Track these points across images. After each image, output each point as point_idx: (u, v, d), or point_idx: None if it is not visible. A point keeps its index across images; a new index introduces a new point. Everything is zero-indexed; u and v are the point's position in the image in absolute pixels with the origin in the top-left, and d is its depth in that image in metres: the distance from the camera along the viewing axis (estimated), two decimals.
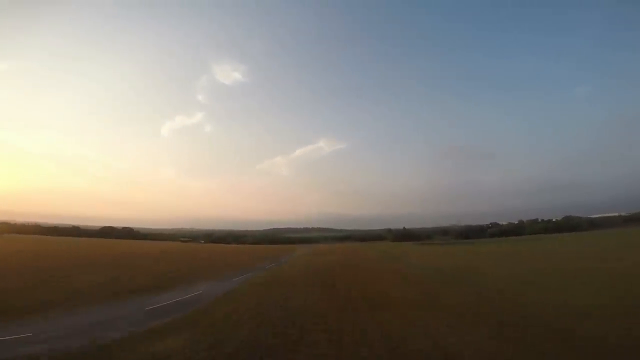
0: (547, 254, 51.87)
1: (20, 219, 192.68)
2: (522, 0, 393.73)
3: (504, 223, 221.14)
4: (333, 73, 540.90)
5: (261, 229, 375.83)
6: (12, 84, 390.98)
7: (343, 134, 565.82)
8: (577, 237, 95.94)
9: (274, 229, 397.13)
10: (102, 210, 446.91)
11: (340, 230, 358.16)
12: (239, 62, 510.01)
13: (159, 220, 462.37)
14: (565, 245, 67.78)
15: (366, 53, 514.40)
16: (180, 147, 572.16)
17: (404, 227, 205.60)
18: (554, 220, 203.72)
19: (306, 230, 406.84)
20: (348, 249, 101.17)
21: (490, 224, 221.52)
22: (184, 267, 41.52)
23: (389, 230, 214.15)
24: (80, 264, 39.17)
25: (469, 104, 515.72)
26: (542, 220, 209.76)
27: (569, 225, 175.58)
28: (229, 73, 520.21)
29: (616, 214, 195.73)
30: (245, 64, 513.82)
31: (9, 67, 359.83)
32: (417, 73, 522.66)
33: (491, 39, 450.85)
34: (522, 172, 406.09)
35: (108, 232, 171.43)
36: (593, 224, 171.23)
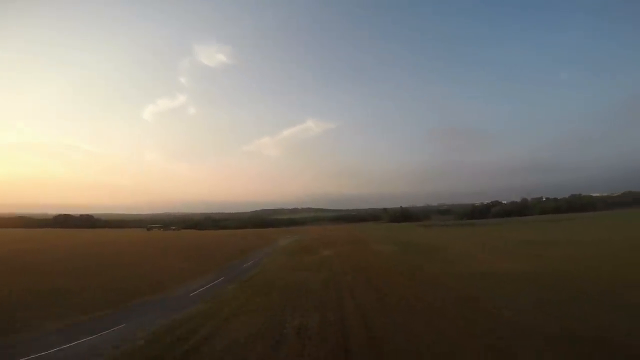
0: None
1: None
2: None
3: (506, 202, 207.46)
4: (322, 53, 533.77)
5: (248, 210, 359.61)
6: None
7: (333, 114, 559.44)
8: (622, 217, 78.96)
9: (262, 210, 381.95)
10: (85, 199, 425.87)
11: (332, 210, 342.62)
12: (223, 42, 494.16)
13: (143, 205, 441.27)
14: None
15: (355, 34, 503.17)
16: (163, 130, 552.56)
17: (401, 207, 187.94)
18: (558, 198, 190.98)
19: (295, 211, 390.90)
20: (346, 234, 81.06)
21: (492, 202, 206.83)
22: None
23: (385, 210, 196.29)
24: None
25: (458, 85, 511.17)
26: (547, 198, 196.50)
27: (580, 204, 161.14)
28: (212, 54, 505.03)
29: (605, 194, 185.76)
30: (229, 45, 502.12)
31: None
32: (406, 54, 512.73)
33: (480, 19, 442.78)
34: (510, 153, 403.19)
35: (62, 221, 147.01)
36: (607, 204, 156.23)
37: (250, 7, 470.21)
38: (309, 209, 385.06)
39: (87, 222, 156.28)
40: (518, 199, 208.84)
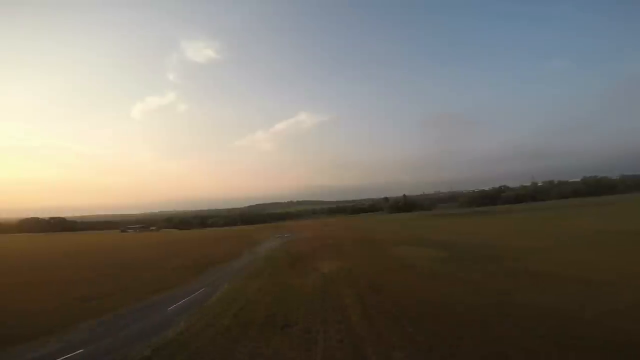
0: None
1: None
2: None
3: (516, 186, 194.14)
4: (312, 47, 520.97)
5: (243, 206, 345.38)
6: None
7: (326, 106, 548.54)
8: None
9: (257, 204, 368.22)
10: (74, 200, 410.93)
11: (329, 202, 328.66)
12: (211, 38, 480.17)
13: (135, 205, 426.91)
14: None
15: (348, 22, 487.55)
16: (153, 128, 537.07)
17: (404, 195, 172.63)
18: (570, 181, 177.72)
19: (291, 204, 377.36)
20: (349, 230, 66.14)
21: (501, 187, 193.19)
22: None
23: (386, 200, 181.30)
24: None
25: (457, 73, 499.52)
26: (560, 181, 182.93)
27: (597, 187, 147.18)
28: (201, 50, 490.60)
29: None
30: (217, 40, 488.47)
31: None
32: (401, 42, 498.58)
33: (477, 8, 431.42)
34: (505, 139, 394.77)
35: (28, 227, 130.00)
36: (628, 186, 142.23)
37: (236, 1, 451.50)
38: (305, 202, 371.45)
39: (57, 225, 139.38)
40: (527, 183, 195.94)
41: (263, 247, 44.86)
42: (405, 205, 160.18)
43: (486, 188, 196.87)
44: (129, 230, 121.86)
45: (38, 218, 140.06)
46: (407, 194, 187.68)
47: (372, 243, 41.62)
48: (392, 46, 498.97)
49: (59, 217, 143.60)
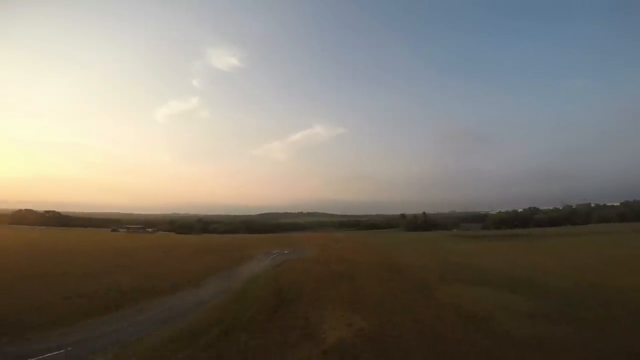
0: None
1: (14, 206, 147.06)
2: None
3: (549, 208, 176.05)
4: (331, 59, 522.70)
5: (253, 214, 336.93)
6: (5, 73, 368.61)
7: (342, 119, 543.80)
8: None
9: (267, 213, 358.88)
10: (94, 197, 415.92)
11: (340, 216, 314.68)
12: (235, 46, 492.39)
13: (149, 205, 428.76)
14: None
15: (367, 37, 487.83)
16: (175, 132, 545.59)
17: (424, 213, 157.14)
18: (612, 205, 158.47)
19: (301, 215, 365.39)
20: (364, 249, 53.19)
21: (531, 208, 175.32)
22: None
23: (403, 216, 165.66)
24: None
25: (473, 89, 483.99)
26: (597, 205, 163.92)
27: None
28: (224, 58, 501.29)
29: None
30: (241, 48, 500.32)
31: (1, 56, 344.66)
32: (420, 57, 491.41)
33: (497, 25, 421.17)
34: (521, 160, 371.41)
35: (20, 218, 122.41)
36: None
37: (261, 11, 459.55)
38: (315, 214, 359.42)
39: (51, 219, 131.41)
40: (560, 206, 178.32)
41: (248, 268, 32.51)
42: (424, 223, 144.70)
43: (504, 209, 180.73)
44: (121, 230, 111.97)
45: (32, 210, 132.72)
46: (420, 211, 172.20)
47: (401, 273, 28.60)
48: (411, 62, 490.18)
49: (53, 211, 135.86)
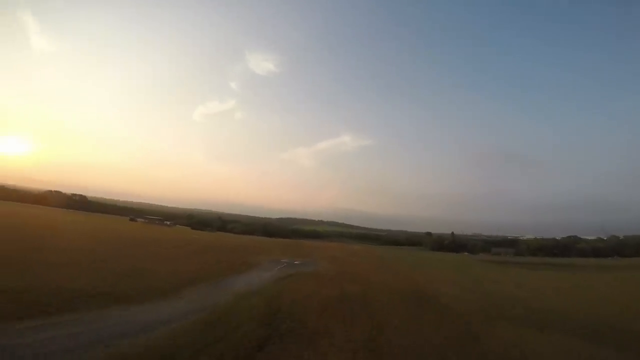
0: None
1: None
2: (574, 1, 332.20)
3: (593, 237, 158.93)
4: (364, 68, 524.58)
5: (273, 217, 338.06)
6: (59, 64, 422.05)
7: (370, 130, 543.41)
8: None
9: (287, 218, 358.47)
10: (129, 185, 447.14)
11: (359, 228, 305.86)
12: (272, 51, 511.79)
13: (174, 199, 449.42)
14: None
15: (400, 52, 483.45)
16: (210, 132, 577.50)
17: (452, 233, 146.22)
18: None
19: (321, 223, 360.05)
20: (388, 273, 46.72)
21: (571, 237, 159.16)
22: None
23: (429, 234, 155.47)
24: None
25: (505, 107, 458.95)
26: None
27: None
28: (261, 62, 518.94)
29: None
30: (277, 54, 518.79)
31: (57, 49, 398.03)
32: (451, 72, 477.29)
33: (534, 42, 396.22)
34: (559, 185, 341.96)
35: (45, 200, 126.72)
36: None
37: (299, 20, 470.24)
38: (335, 223, 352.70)
39: (77, 203, 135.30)
40: (604, 236, 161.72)
41: (247, 279, 27.40)
42: (452, 243, 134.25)
43: (536, 236, 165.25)
44: (139, 220, 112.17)
45: (60, 192, 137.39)
46: (443, 231, 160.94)
47: (431, 305, 22.19)
48: (445, 76, 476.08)
49: (80, 195, 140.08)
